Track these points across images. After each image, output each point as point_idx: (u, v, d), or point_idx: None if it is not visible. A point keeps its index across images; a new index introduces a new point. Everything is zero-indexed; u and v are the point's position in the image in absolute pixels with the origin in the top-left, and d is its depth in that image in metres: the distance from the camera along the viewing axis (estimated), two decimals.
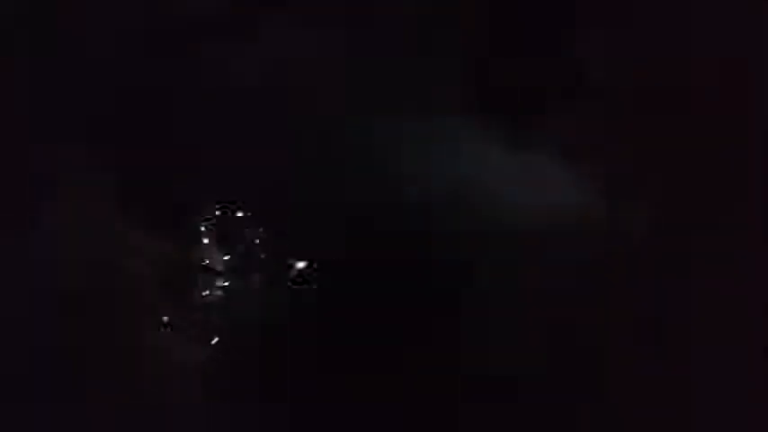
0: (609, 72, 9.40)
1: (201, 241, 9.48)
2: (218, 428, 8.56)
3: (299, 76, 9.53)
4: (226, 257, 9.40)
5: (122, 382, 8.56)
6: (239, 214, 9.58)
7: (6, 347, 8.48)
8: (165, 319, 9.05)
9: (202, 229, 9.50)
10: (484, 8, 9.66)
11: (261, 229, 9.47)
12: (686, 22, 9.39)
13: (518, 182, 9.02)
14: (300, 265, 9.29)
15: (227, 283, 9.33)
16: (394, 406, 8.56)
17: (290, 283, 9.30)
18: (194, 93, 9.55)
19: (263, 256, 9.39)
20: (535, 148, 9.28)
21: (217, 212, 9.55)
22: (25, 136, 9.31)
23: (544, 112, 9.42)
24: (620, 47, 9.46)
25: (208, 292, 9.31)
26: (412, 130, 9.28)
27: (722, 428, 8.23)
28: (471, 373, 8.59)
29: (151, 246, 9.18)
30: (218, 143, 9.53)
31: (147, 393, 8.61)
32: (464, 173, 9.14)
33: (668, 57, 9.30)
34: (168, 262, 9.27)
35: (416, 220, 9.03)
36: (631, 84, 9.33)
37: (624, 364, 8.47)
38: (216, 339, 9.12)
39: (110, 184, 9.20)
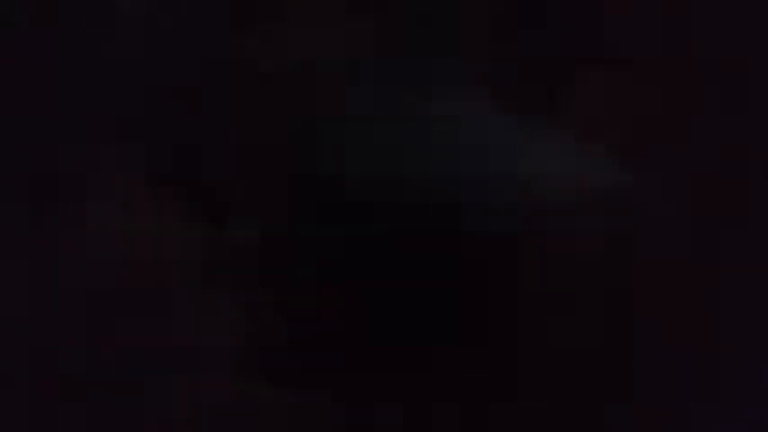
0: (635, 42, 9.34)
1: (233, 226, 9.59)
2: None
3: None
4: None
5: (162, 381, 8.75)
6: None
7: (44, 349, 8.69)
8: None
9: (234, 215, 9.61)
10: None
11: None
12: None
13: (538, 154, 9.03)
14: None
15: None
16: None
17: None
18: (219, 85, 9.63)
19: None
20: (557, 122, 9.27)
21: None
22: (53, 134, 9.45)
23: (569, 83, 9.38)
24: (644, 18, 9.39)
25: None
26: (426, 104, 9.27)
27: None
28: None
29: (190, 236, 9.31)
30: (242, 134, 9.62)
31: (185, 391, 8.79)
32: (480, 144, 9.14)
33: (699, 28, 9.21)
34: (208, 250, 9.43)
35: (439, 193, 9.05)
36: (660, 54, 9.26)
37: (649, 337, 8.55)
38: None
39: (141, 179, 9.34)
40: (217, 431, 8.43)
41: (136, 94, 9.41)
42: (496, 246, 8.82)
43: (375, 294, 8.83)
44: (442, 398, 8.55)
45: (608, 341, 8.51)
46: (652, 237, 8.65)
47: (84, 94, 9.41)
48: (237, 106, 9.31)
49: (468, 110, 9.14)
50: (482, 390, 8.56)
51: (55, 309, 8.69)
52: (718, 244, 8.56)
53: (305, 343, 8.83)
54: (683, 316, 8.48)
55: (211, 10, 9.57)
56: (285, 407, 8.62)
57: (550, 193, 8.85)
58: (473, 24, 9.41)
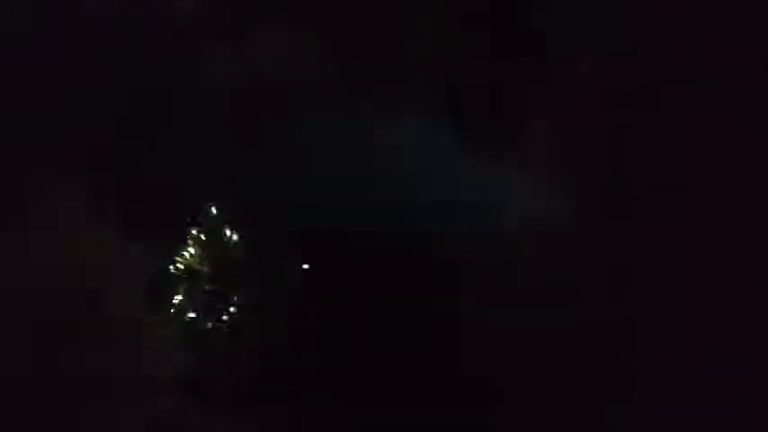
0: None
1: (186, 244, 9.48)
2: None
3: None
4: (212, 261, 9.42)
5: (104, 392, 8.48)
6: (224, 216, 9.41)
7: None
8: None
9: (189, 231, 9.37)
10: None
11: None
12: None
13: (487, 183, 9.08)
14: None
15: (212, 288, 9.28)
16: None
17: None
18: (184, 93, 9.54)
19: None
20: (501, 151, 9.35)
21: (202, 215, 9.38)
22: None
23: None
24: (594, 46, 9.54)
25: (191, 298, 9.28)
26: (382, 130, 9.31)
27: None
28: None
29: (133, 251, 9.12)
30: (206, 145, 9.51)
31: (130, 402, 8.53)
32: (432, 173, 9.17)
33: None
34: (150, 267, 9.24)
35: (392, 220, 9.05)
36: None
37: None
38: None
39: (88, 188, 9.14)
40: None
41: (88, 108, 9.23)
42: (445, 269, 8.76)
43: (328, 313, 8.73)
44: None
45: (553, 365, 8.42)
46: (593, 263, 8.64)
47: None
48: (191, 121, 9.19)
49: (422, 138, 9.17)
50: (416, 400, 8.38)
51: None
52: (658, 271, 8.58)
53: (247, 366, 8.66)
54: (624, 336, 8.42)
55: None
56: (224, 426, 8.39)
57: (496, 220, 8.85)
58: (432, 54, 9.49)
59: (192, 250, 9.29)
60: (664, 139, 9.13)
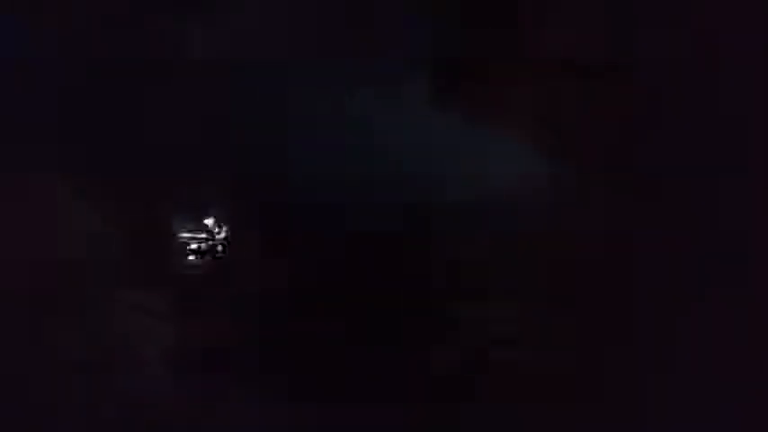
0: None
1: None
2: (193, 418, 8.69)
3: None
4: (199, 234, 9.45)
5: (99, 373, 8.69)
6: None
7: None
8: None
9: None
10: None
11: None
12: None
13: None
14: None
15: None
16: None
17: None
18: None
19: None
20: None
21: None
22: None
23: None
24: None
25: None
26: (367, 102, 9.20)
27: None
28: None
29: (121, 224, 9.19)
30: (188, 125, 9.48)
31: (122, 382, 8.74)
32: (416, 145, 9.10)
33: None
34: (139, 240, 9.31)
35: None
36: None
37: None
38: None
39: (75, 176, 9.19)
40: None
41: (61, 89, 9.19)
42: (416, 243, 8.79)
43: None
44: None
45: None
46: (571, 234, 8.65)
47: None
48: (165, 99, 9.17)
49: (403, 109, 9.10)
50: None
51: None
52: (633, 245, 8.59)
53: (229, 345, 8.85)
54: (604, 312, 8.50)
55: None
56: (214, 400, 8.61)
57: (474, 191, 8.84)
58: (415, 24, 9.35)
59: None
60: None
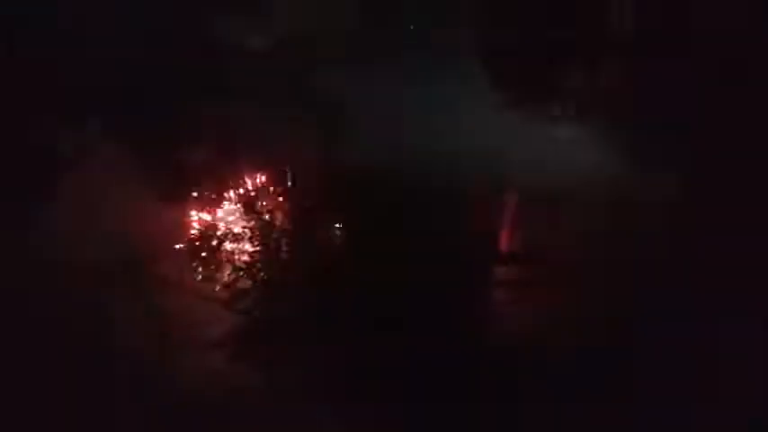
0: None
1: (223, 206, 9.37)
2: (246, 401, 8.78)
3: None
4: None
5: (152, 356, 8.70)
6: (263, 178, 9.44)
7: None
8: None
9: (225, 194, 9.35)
10: None
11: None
12: None
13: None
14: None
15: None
16: None
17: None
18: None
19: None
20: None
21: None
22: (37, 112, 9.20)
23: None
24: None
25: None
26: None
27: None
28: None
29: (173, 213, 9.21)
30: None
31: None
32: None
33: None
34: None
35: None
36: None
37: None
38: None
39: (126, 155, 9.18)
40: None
41: (122, 74, 9.17)
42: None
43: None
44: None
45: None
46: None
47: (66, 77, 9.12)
48: (223, 84, 9.17)
49: (463, 98, 9.09)
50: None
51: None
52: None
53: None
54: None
55: None
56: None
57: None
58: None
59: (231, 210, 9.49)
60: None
